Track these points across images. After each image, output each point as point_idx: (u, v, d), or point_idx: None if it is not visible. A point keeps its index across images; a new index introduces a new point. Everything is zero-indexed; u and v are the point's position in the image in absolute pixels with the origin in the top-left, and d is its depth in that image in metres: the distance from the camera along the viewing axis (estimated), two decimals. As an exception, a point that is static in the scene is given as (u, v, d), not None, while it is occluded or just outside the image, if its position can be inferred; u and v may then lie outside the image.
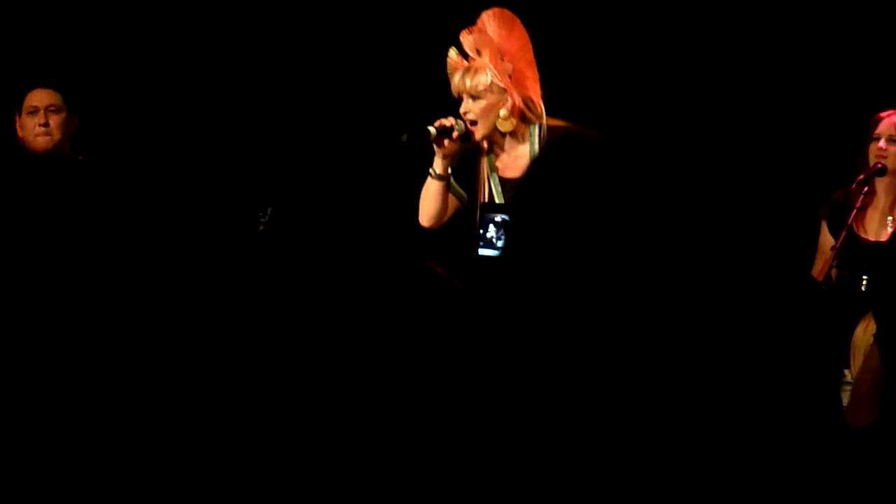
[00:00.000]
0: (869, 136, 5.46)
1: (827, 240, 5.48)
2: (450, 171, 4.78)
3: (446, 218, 4.84)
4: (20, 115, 5.72)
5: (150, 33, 6.69)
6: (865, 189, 5.38)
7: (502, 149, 4.81)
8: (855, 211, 5.35)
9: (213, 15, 6.69)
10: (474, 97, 4.75)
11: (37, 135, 5.64)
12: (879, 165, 5.41)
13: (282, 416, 1.87)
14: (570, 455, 1.70)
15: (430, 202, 4.80)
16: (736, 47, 6.55)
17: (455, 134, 4.72)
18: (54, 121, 5.65)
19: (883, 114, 5.47)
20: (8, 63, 6.41)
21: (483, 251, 4.42)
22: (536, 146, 4.83)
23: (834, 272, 5.33)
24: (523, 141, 4.83)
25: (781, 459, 1.83)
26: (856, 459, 1.95)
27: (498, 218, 4.45)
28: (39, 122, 5.63)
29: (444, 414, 1.75)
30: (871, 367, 2.24)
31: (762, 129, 6.56)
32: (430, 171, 4.78)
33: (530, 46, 4.79)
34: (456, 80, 4.76)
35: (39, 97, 5.68)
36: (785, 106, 6.53)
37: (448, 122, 4.72)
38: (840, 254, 5.33)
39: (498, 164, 4.83)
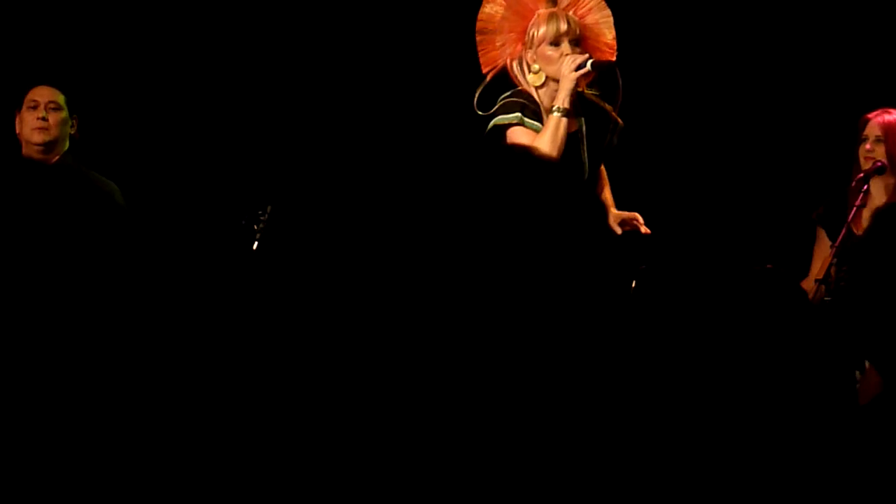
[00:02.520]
0: (858, 138, 5.48)
1: (823, 244, 5.49)
2: None
3: None
4: (20, 111, 5.74)
5: (152, 35, 6.69)
6: (865, 188, 5.39)
7: (542, 101, 4.86)
8: (854, 209, 5.36)
9: (213, 15, 6.69)
10: (575, 42, 4.79)
11: (34, 128, 5.66)
12: (879, 164, 5.42)
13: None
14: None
15: (562, 136, 4.75)
16: (732, 48, 6.56)
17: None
18: (53, 118, 5.68)
19: (870, 114, 5.48)
20: (10, 63, 6.41)
21: None
22: (582, 108, 4.87)
23: (833, 270, 5.34)
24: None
25: (787, 457, 1.84)
26: (859, 458, 1.96)
27: None
28: (38, 115, 5.65)
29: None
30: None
31: (754, 132, 6.57)
32: (559, 108, 4.76)
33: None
34: (562, 22, 4.79)
35: (41, 93, 5.71)
36: (777, 108, 6.53)
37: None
38: (839, 252, 5.34)
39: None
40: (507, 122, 4.84)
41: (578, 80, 4.75)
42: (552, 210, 1.39)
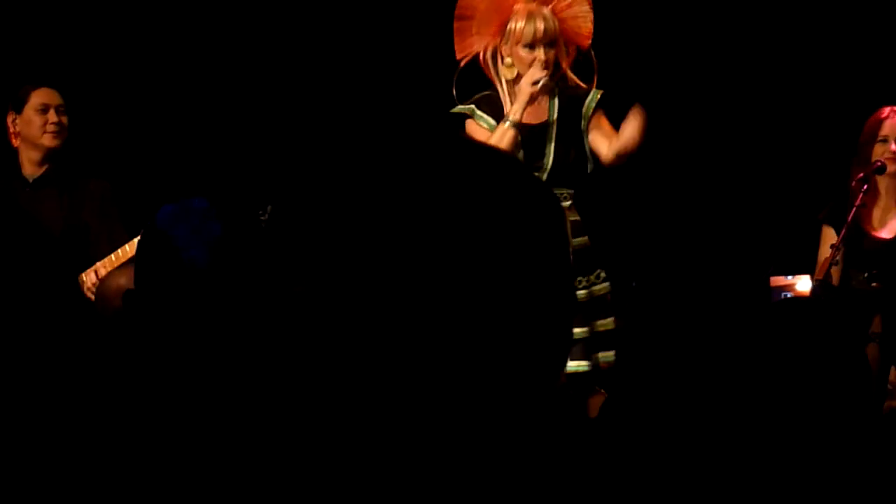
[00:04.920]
0: (869, 138, 5.42)
1: (829, 244, 5.43)
2: None
3: None
4: (19, 113, 5.71)
5: (145, 34, 6.70)
6: (865, 187, 5.36)
7: (510, 97, 4.86)
8: (854, 209, 5.34)
9: (213, 15, 6.70)
10: (550, 44, 4.77)
11: (49, 132, 5.64)
12: (879, 163, 5.40)
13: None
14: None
15: (506, 145, 4.72)
16: (734, 47, 6.56)
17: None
18: (64, 121, 5.68)
19: (882, 115, 5.44)
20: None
21: None
22: (556, 97, 4.87)
23: (834, 270, 5.33)
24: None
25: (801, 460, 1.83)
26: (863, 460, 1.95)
27: None
28: (52, 120, 5.64)
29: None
30: None
31: (755, 132, 6.57)
32: (510, 120, 4.79)
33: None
34: (540, 24, 4.78)
35: (51, 96, 5.69)
36: (779, 108, 6.54)
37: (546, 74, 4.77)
38: (841, 252, 5.33)
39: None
40: (459, 111, 4.91)
41: (534, 94, 4.76)
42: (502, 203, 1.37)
